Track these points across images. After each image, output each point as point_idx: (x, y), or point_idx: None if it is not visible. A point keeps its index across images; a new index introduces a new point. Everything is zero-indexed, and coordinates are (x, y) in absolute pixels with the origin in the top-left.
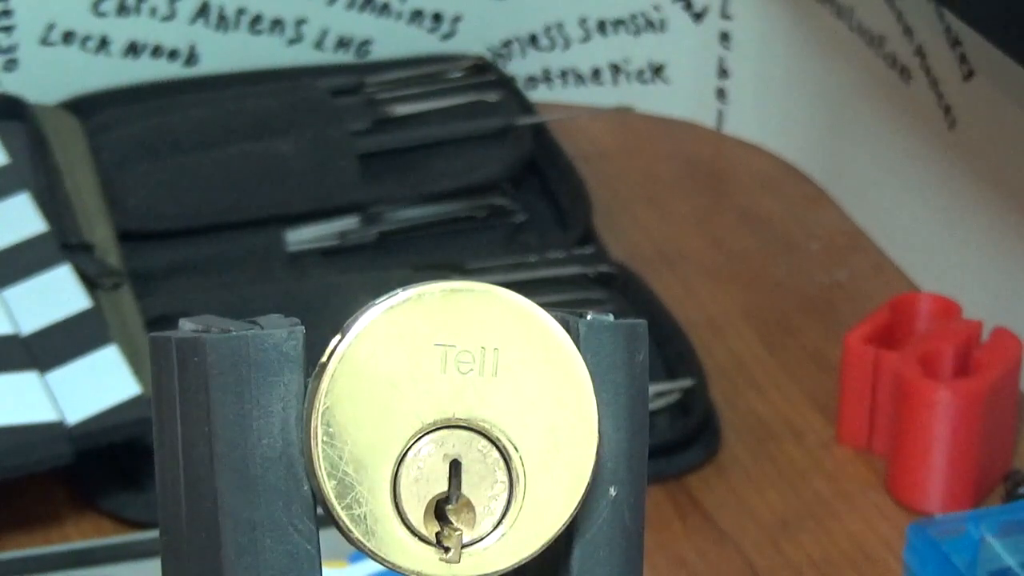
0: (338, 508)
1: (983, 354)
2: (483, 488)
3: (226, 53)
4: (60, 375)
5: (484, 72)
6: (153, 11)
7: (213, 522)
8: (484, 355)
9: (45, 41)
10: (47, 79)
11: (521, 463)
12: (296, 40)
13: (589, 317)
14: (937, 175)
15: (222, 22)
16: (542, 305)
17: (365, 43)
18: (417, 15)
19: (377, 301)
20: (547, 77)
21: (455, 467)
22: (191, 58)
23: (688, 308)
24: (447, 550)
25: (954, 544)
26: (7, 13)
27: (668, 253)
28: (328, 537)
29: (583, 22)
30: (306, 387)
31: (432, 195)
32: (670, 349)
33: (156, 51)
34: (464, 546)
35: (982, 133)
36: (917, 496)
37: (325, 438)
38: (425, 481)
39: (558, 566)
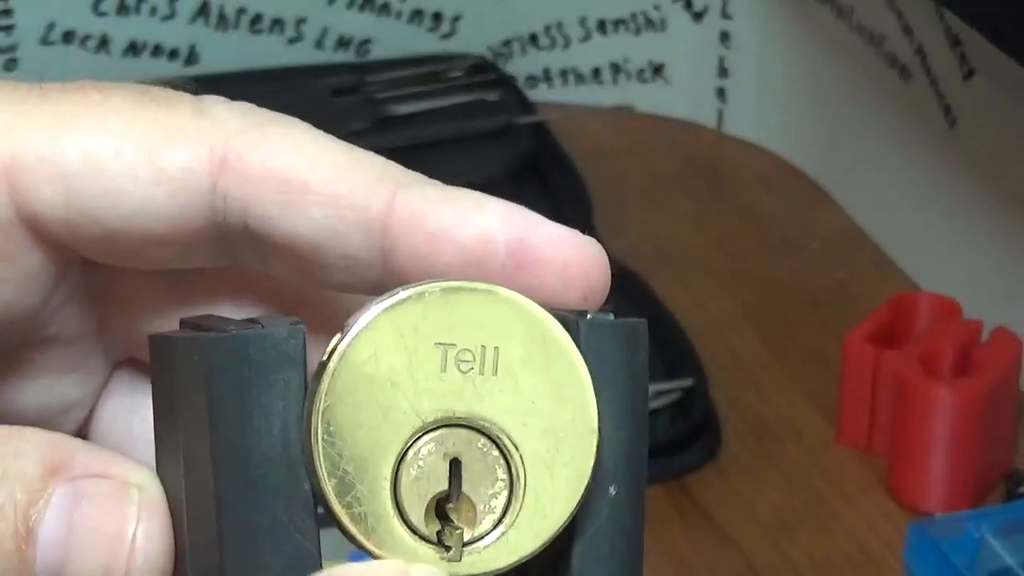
0: (338, 507)
1: (983, 354)
2: (483, 486)
3: (226, 53)
4: None
5: (484, 71)
6: (153, 11)
7: (213, 522)
8: (484, 354)
9: (45, 41)
10: (47, 79)
11: (521, 462)
12: (296, 40)
13: (589, 316)
14: (937, 175)
15: (222, 22)
16: (542, 304)
17: (365, 43)
18: (417, 15)
19: (377, 300)
20: (547, 76)
21: (455, 466)
22: (191, 58)
23: (688, 308)
24: (448, 549)
25: (954, 544)
26: (7, 13)
27: (668, 253)
28: (328, 537)
29: (583, 21)
30: (307, 386)
31: None
32: (670, 349)
33: (156, 51)
34: (465, 544)
35: (982, 133)
36: (917, 496)
37: (325, 437)
38: (425, 480)
39: (558, 565)
